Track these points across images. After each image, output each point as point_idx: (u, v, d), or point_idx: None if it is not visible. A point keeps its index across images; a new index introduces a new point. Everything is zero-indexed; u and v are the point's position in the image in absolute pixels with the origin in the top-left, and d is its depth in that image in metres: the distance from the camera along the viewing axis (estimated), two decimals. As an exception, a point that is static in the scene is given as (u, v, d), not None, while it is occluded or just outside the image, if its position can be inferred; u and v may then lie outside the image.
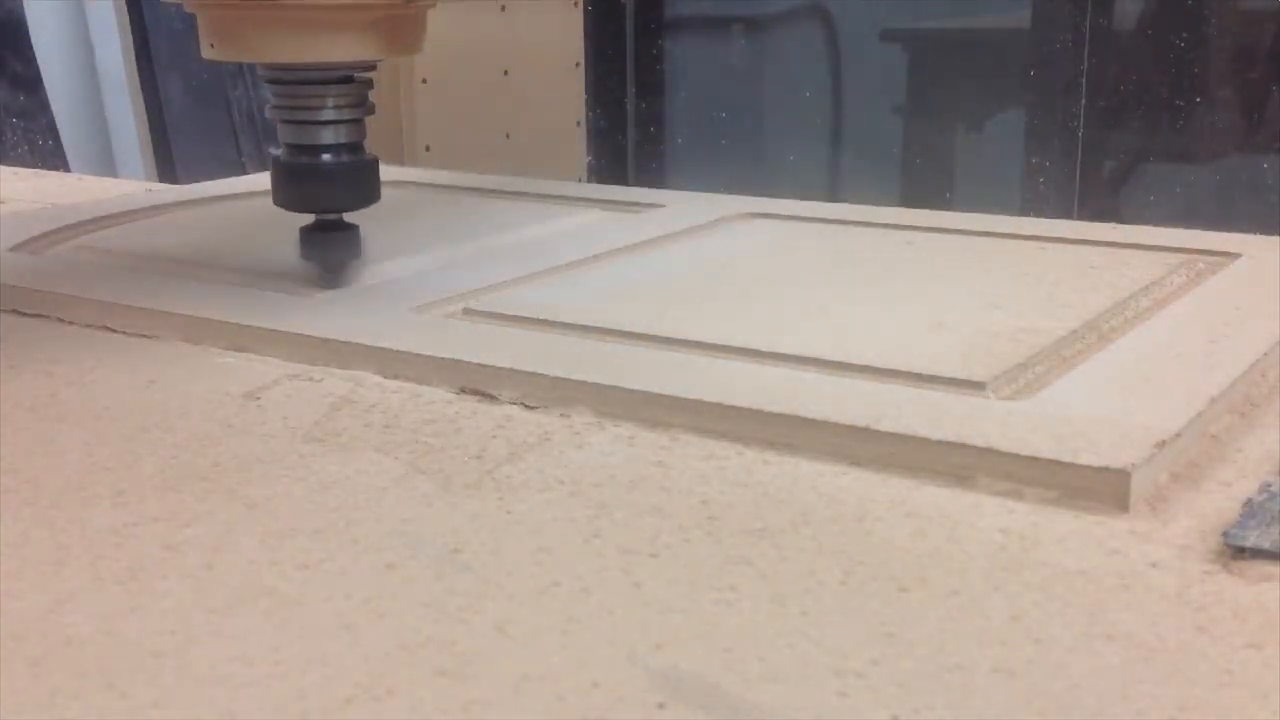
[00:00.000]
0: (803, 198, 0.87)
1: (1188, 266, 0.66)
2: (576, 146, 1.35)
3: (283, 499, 0.43)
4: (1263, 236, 0.71)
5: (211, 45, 0.64)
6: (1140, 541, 0.39)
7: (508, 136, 1.24)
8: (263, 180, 1.02)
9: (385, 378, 0.55)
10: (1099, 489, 0.41)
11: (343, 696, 0.32)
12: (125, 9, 2.31)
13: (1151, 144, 1.72)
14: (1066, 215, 1.65)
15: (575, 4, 1.34)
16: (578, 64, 1.32)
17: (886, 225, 0.79)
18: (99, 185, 1.13)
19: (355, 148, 0.67)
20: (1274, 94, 1.60)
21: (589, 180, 1.37)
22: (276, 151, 0.68)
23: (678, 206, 0.85)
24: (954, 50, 1.90)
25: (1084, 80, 1.67)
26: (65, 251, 0.78)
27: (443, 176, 1.02)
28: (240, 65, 2.33)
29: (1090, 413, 0.46)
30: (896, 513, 0.41)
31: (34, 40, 2.13)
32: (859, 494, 0.43)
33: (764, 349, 0.53)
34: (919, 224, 0.79)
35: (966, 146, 1.93)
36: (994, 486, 0.42)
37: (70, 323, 0.65)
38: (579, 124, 1.34)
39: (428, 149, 1.19)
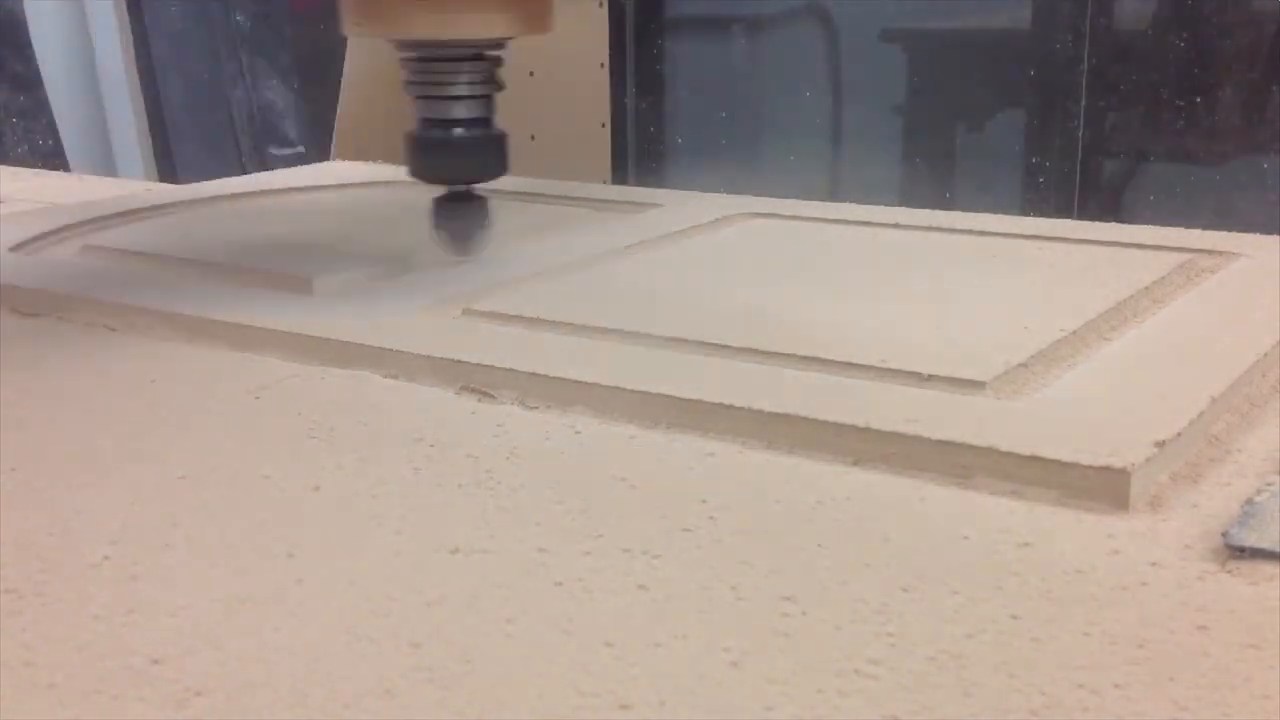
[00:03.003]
0: (803, 198, 0.87)
1: (1188, 266, 0.66)
2: (602, 149, 1.32)
3: (282, 498, 0.43)
4: (1263, 236, 0.71)
5: (357, 24, 0.68)
6: (1140, 541, 0.39)
7: (533, 139, 1.21)
8: (262, 180, 1.03)
9: (385, 377, 0.55)
10: (1099, 489, 0.41)
11: (344, 696, 0.32)
12: (125, 9, 2.31)
13: (1151, 144, 1.72)
14: (1066, 215, 1.65)
15: (600, 3, 1.31)
16: (602, 65, 1.30)
17: (886, 225, 0.79)
18: (99, 185, 1.13)
19: (485, 122, 0.70)
20: (1275, 94, 1.60)
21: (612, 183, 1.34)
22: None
23: (677, 206, 0.85)
24: (954, 50, 1.90)
25: (1084, 80, 1.67)
26: (65, 251, 0.78)
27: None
28: (241, 66, 2.33)
29: (1090, 413, 0.46)
30: (897, 513, 0.41)
31: (34, 40, 2.13)
32: (859, 494, 0.43)
33: (764, 349, 0.53)
34: (919, 224, 0.79)
35: (966, 146, 1.93)
36: (994, 486, 0.42)
37: (70, 323, 0.65)
38: (603, 126, 1.31)
39: None
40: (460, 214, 0.71)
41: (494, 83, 0.69)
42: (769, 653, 0.33)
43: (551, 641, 0.34)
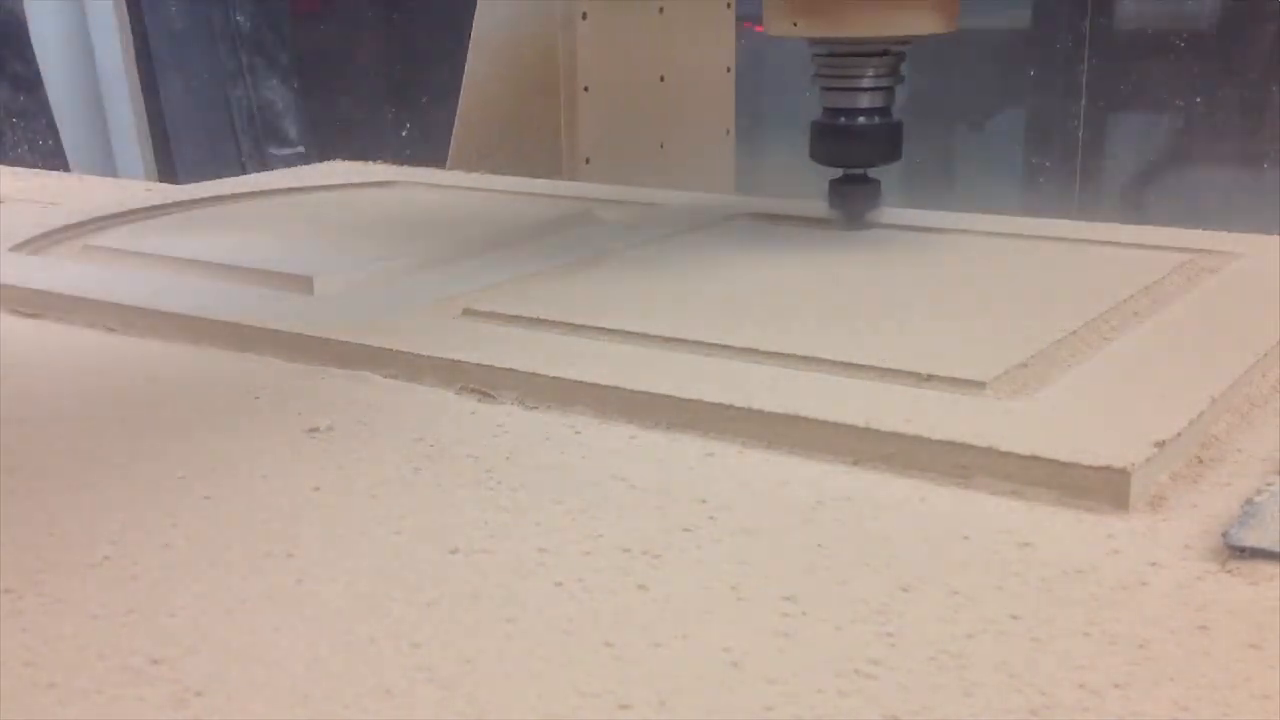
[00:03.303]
0: (802, 198, 0.86)
1: (1188, 266, 0.66)
2: (726, 156, 1.26)
3: (282, 498, 0.43)
4: (1263, 236, 0.71)
5: (794, 24, 0.72)
6: (1140, 541, 0.39)
7: (662, 147, 1.17)
8: (262, 180, 1.02)
9: (385, 377, 0.55)
10: (1099, 489, 0.41)
11: (344, 696, 0.32)
12: (125, 9, 2.31)
13: (1152, 144, 1.72)
14: (1066, 215, 1.65)
15: (729, 4, 1.25)
16: (728, 69, 1.24)
17: (886, 225, 0.79)
18: (99, 185, 1.13)
19: (885, 111, 0.75)
20: (1274, 95, 1.60)
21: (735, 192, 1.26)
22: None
23: (677, 206, 0.85)
24: (954, 50, 1.90)
25: (1084, 80, 1.67)
26: (65, 251, 0.78)
27: (445, 177, 1.02)
28: (241, 66, 2.33)
29: (1090, 413, 0.46)
30: (897, 512, 0.41)
31: (34, 40, 2.13)
32: (859, 494, 0.43)
33: (764, 349, 0.53)
34: (918, 224, 0.79)
35: (966, 146, 1.93)
36: (994, 486, 0.42)
37: (70, 323, 0.65)
38: (728, 133, 1.25)
39: (588, 161, 1.10)
40: (855, 194, 0.77)
41: (896, 75, 0.74)
42: (769, 653, 0.33)
43: (551, 641, 0.34)
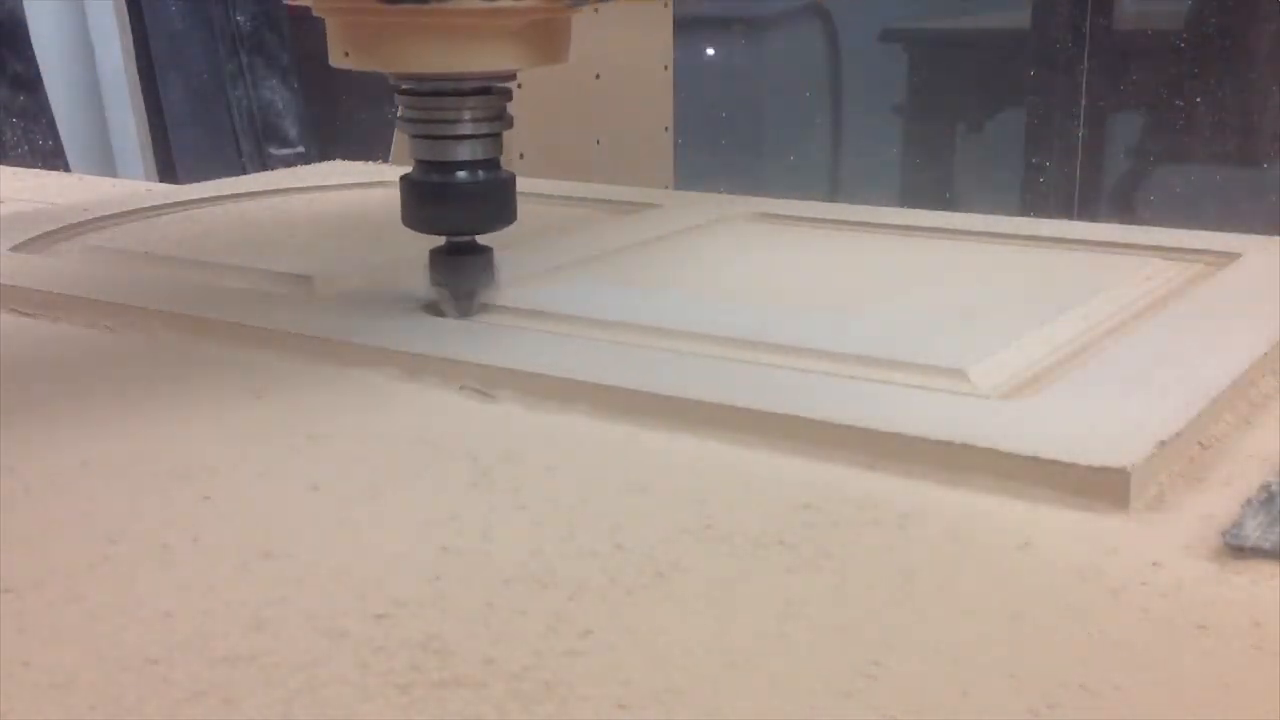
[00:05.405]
0: (803, 198, 0.87)
1: (1188, 266, 0.66)
2: (665, 153, 1.31)
3: (281, 497, 0.43)
4: (1263, 236, 0.71)
5: (346, 54, 0.59)
6: (1140, 541, 0.39)
7: (598, 143, 1.20)
8: (262, 180, 1.02)
9: (385, 377, 0.55)
10: (1099, 489, 0.41)
11: (344, 697, 0.32)
12: (125, 9, 2.31)
13: (1151, 144, 1.72)
14: (1066, 215, 1.65)
15: (665, 3, 1.28)
16: (666, 67, 1.28)
17: (886, 225, 0.79)
18: (99, 185, 1.13)
19: (491, 164, 0.60)
20: (1274, 95, 1.60)
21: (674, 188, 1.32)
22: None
23: (677, 207, 0.86)
24: (954, 50, 1.91)
25: (1084, 80, 1.67)
26: (65, 251, 0.78)
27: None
28: (241, 66, 2.33)
29: (1090, 413, 0.46)
30: (896, 512, 0.41)
31: (34, 40, 2.13)
32: (859, 494, 0.43)
33: (764, 348, 0.53)
34: (919, 224, 0.79)
35: (966, 146, 1.93)
36: (994, 486, 0.42)
37: (70, 323, 0.65)
38: (667, 130, 1.29)
39: (521, 156, 1.12)
40: (461, 268, 0.62)
41: (503, 119, 0.60)
42: (769, 653, 0.33)
43: (551, 642, 0.34)
